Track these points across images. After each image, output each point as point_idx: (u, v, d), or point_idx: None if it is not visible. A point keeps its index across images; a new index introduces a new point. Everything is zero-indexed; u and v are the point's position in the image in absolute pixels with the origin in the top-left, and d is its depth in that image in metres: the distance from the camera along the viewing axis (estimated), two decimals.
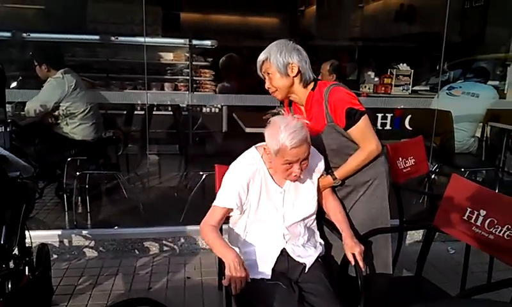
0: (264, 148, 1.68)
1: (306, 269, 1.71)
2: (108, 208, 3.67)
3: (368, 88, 6.44)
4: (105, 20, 5.68)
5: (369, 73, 6.67)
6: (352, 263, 1.67)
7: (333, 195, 1.92)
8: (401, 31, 7.87)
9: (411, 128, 5.97)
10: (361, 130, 1.81)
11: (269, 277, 1.64)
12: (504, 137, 4.08)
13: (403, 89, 6.50)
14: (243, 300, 1.57)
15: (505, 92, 5.17)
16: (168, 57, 5.80)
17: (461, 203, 1.85)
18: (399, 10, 8.13)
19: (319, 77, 3.94)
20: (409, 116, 6.39)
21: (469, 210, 1.81)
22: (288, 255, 1.72)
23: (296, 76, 1.82)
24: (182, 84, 5.75)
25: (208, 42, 5.76)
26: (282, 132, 1.57)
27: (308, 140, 1.62)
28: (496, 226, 1.68)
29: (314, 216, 1.86)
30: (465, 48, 7.09)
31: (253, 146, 1.82)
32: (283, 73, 1.80)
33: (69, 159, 3.45)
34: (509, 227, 1.64)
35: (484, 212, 1.75)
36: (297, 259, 1.71)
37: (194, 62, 5.71)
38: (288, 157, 1.58)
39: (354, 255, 1.67)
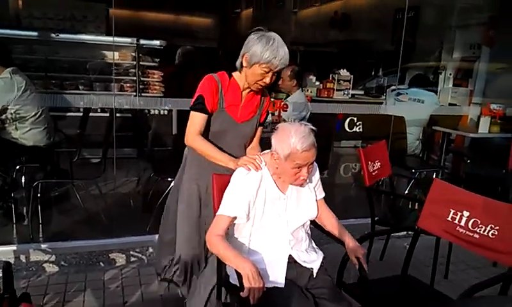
0: (272, 154, 1.69)
1: (315, 274, 1.74)
2: (65, 219, 3.41)
3: (311, 91, 6.67)
4: (43, 15, 5.25)
5: (311, 77, 6.91)
6: (357, 266, 1.73)
7: (325, 204, 1.97)
8: (336, 38, 8.23)
9: (357, 131, 6.29)
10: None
11: (283, 285, 1.64)
12: (445, 140, 4.46)
13: (344, 94, 6.84)
14: None
15: (438, 97, 5.66)
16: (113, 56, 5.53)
17: (444, 205, 1.99)
18: (333, 17, 8.52)
19: (280, 82, 4.02)
20: (348, 119, 6.74)
21: (452, 211, 1.96)
22: (295, 261, 1.74)
23: None
24: (128, 85, 5.52)
25: (156, 42, 5.58)
26: (293, 136, 1.61)
27: (315, 144, 1.66)
28: (480, 226, 1.84)
29: (309, 221, 1.90)
30: (398, 56, 7.61)
31: (257, 154, 1.82)
32: None
33: (17, 167, 3.17)
34: (493, 226, 1.80)
35: (468, 213, 1.90)
36: (304, 264, 1.74)
37: (141, 63, 5.51)
38: (299, 160, 1.62)
39: (357, 258, 1.73)
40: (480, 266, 3.19)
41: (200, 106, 1.95)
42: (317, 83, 6.82)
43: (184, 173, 2.17)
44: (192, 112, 1.97)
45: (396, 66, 7.84)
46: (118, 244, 2.97)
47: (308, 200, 1.83)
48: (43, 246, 2.82)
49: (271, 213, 1.73)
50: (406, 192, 3.95)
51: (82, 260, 2.86)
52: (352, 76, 6.83)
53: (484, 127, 4.02)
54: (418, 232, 2.08)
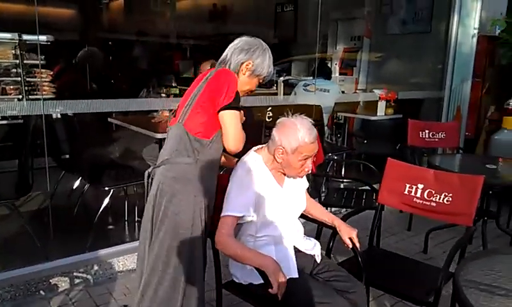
0: (276, 149, 1.71)
1: (318, 260, 1.84)
2: None
3: None
4: None
5: None
6: (350, 246, 1.89)
7: (308, 194, 2.08)
8: (221, 31, 8.33)
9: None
10: None
11: (297, 275, 1.71)
12: (346, 125, 4.95)
13: None
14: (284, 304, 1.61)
15: None
16: None
17: (399, 181, 2.28)
18: (212, 10, 8.62)
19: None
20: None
21: (408, 185, 2.26)
22: (299, 250, 1.82)
23: None
24: (11, 87, 4.82)
25: (43, 37, 4.94)
26: (300, 130, 1.68)
27: None
28: (435, 195, 2.16)
29: None
30: (282, 49, 8.06)
31: (252, 150, 1.83)
32: None
33: None
34: (446, 194, 2.13)
35: (422, 185, 2.21)
36: (307, 252, 1.83)
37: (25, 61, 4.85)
38: (307, 152, 1.70)
39: (350, 239, 1.88)
40: (397, 232, 3.69)
41: (238, 105, 1.73)
42: None
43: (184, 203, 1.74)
44: (233, 112, 1.70)
45: (282, 58, 8.29)
46: (57, 267, 2.65)
47: (301, 191, 1.92)
48: None
49: (273, 207, 1.77)
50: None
51: (18, 292, 2.49)
52: None
53: (381, 110, 4.59)
54: (378, 208, 2.34)
